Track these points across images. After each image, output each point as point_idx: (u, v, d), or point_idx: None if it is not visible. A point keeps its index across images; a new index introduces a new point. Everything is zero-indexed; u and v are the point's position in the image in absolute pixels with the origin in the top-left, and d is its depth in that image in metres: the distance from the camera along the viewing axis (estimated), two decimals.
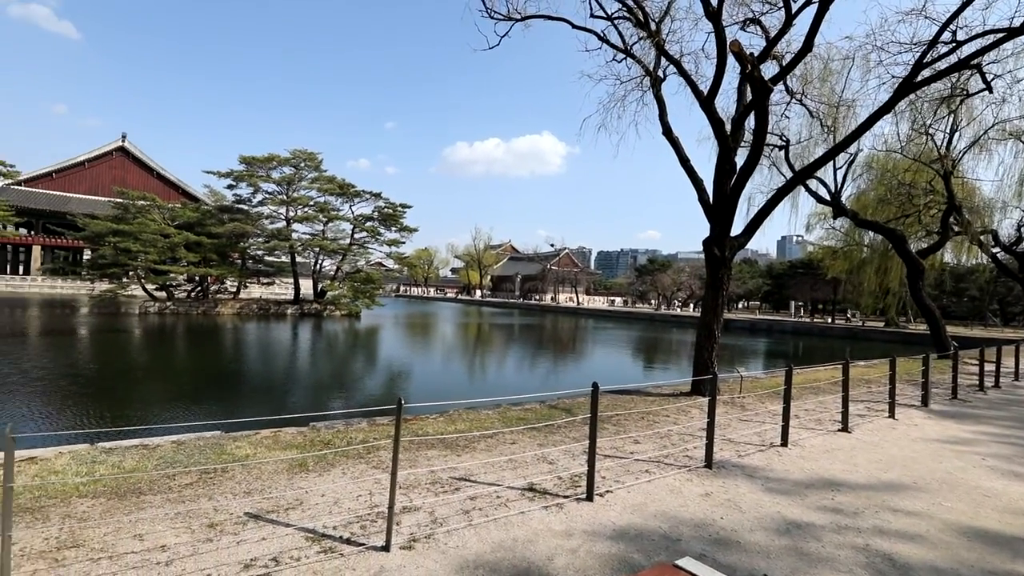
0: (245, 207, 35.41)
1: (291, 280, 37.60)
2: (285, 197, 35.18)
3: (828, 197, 18.11)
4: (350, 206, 37.67)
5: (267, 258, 36.90)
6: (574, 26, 10.18)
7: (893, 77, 11.05)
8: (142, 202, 31.44)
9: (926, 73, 9.65)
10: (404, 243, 39.07)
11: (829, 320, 44.10)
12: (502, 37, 10.65)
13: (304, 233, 36.37)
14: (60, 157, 52.67)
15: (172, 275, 31.16)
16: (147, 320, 27.31)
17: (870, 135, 17.72)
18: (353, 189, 36.48)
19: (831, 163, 16.45)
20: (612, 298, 75.54)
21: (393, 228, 37.99)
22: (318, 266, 37.96)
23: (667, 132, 10.14)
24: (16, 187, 46.62)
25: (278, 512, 4.15)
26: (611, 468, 5.56)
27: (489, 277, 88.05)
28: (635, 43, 10.39)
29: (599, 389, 4.62)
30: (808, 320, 45.18)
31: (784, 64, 9.10)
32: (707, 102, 9.64)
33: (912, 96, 12.65)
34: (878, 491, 5.31)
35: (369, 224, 37.18)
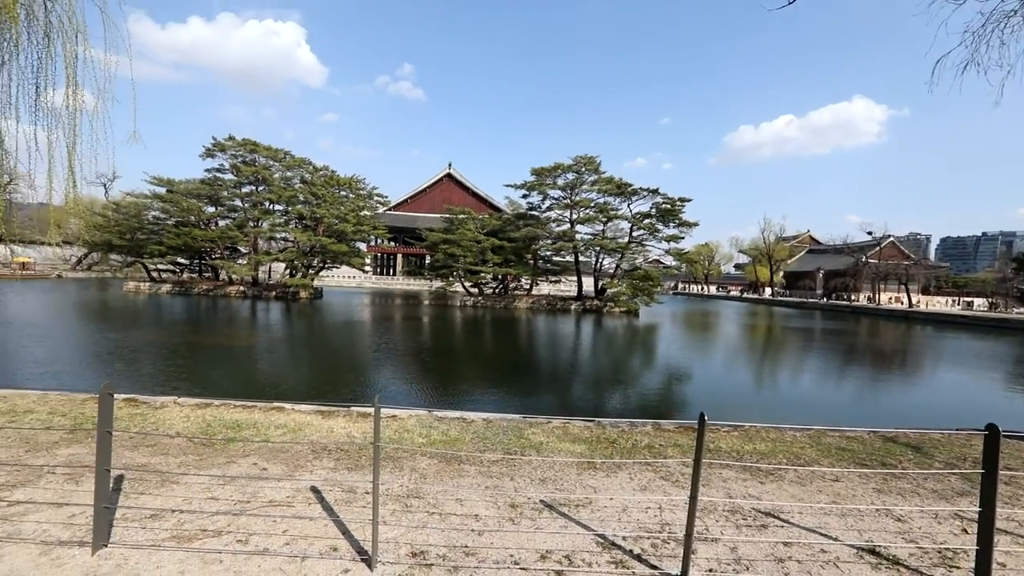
0: (536, 213, 39.98)
1: (575, 278, 40.62)
2: (569, 201, 38.13)
3: None
4: (628, 205, 38.25)
5: (554, 258, 40.88)
6: None
7: None
8: (462, 216, 39.13)
9: None
10: (683, 238, 37.47)
11: None
12: None
13: (586, 233, 38.75)
14: (411, 187, 69.57)
15: (482, 274, 37.66)
16: (465, 311, 33.56)
17: None
18: (630, 188, 36.91)
19: None
20: (967, 299, 55.78)
21: (671, 224, 36.85)
22: (599, 264, 39.92)
23: None
24: (388, 212, 64.10)
25: (569, 507, 4.20)
26: (1013, 554, 3.79)
27: (781, 273, 76.69)
28: None
29: (999, 433, 3.13)
30: None
31: None
32: None
33: None
34: None
35: (647, 221, 37.02)
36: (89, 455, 4.83)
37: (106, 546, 3.33)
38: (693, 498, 3.10)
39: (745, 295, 76.61)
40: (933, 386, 15.11)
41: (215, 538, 3.49)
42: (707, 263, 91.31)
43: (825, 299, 60.06)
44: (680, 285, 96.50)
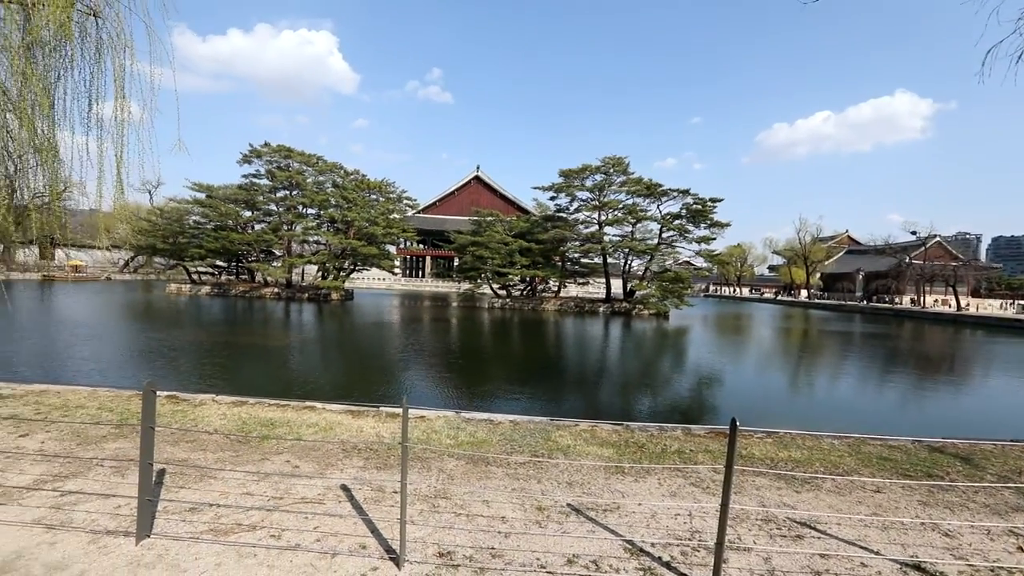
0: (564, 215, 39.81)
1: (603, 280, 40.27)
2: (597, 202, 37.83)
3: None
4: (657, 205, 37.69)
5: (582, 260, 40.61)
6: None
7: None
8: (490, 218, 39.31)
9: None
10: (714, 239, 36.68)
11: None
12: None
13: (614, 235, 38.38)
14: (440, 190, 70.36)
15: (510, 276, 37.72)
16: (493, 312, 33.67)
17: None
18: (660, 188, 36.37)
19: None
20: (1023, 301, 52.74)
21: (702, 224, 36.12)
22: (627, 266, 39.48)
23: None
24: (417, 215, 64.91)
25: (596, 511, 4.16)
26: None
27: (818, 275, 74.15)
28: None
29: None
30: None
31: None
32: None
33: None
34: None
35: (677, 222, 36.40)
36: (134, 449, 5.05)
37: (149, 537, 3.47)
38: (724, 505, 3.03)
39: (780, 297, 74.41)
40: (984, 394, 14.34)
41: (250, 533, 3.60)
42: (739, 265, 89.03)
43: (865, 301, 57.81)
44: (711, 287, 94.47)
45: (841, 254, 76.42)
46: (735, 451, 2.96)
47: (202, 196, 39.47)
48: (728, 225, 35.93)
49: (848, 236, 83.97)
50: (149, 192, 58.19)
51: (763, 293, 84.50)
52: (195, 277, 41.80)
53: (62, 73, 5.68)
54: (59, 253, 48.29)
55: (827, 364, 18.77)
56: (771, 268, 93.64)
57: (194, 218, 40.86)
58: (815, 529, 4.01)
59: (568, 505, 4.26)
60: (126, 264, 57.75)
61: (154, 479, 4.07)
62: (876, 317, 44.17)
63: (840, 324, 36.10)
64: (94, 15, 5.70)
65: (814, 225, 70.05)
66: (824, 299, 65.96)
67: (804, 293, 72.51)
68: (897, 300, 54.01)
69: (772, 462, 5.51)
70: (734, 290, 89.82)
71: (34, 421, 5.85)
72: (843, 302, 58.10)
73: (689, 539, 3.77)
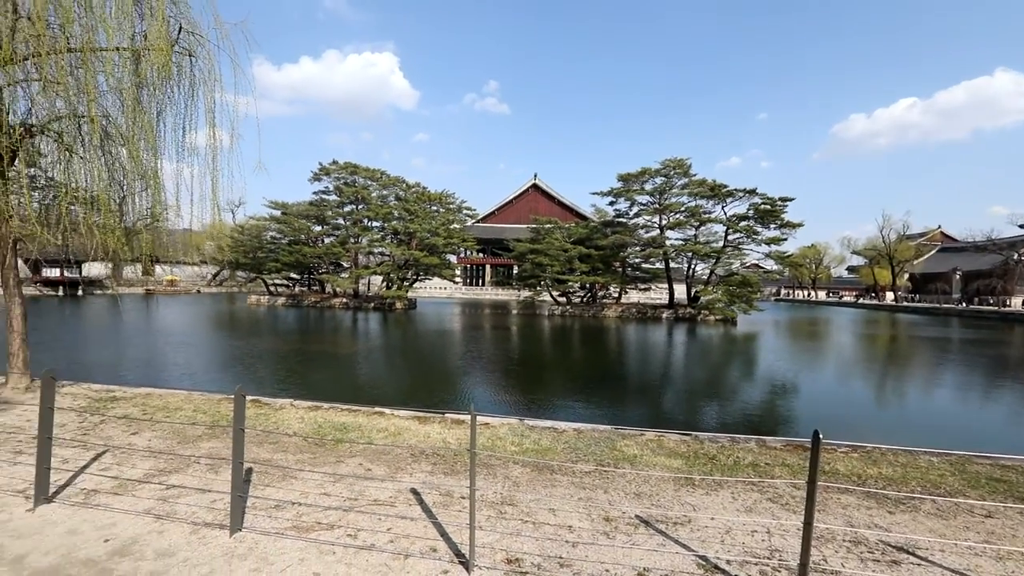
0: (624, 220, 39.12)
1: (665, 285, 39.13)
2: (658, 206, 36.90)
3: None
4: (722, 207, 36.22)
5: (643, 265, 39.65)
6: None
7: None
8: (548, 225, 39.33)
9: None
10: (785, 240, 34.66)
11: None
12: None
13: (676, 239, 37.25)
14: (498, 199, 71.33)
15: (569, 283, 37.50)
16: (553, 320, 33.58)
17: None
18: (724, 189, 34.94)
19: None
20: None
21: (772, 225, 34.30)
22: (691, 270, 38.13)
23: None
24: (477, 225, 66.14)
25: (667, 524, 4.04)
26: None
27: (906, 275, 68.11)
28: None
29: None
30: None
31: None
32: None
33: None
34: None
35: (744, 224, 34.78)
36: (224, 449, 5.48)
37: (240, 530, 3.74)
38: (808, 524, 2.84)
39: (861, 300, 69.02)
40: None
41: (328, 531, 3.79)
42: (814, 266, 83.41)
43: (964, 304, 52.41)
44: (782, 291, 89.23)
45: (933, 252, 69.90)
46: (819, 465, 2.78)
47: (278, 213, 42.30)
48: (800, 225, 33.95)
49: (941, 232, 76.72)
50: (232, 211, 63.16)
51: (842, 296, 78.78)
52: (272, 289, 44.74)
53: (163, 108, 6.33)
54: (158, 269, 53.37)
55: (920, 373, 17.18)
56: (850, 269, 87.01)
57: (271, 234, 43.82)
58: (914, 555, 3.67)
59: (637, 517, 4.16)
60: (213, 278, 62.87)
61: (243, 477, 4.39)
62: (978, 321, 39.90)
63: (934, 329, 32.93)
64: (189, 55, 6.32)
65: (900, 221, 64.37)
66: (914, 302, 60.48)
67: (890, 295, 66.81)
68: (1006, 302, 48.47)
69: (859, 479, 5.11)
70: (808, 293, 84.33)
71: (142, 421, 6.49)
72: (937, 304, 52.95)
73: (768, 558, 3.57)
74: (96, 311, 32.47)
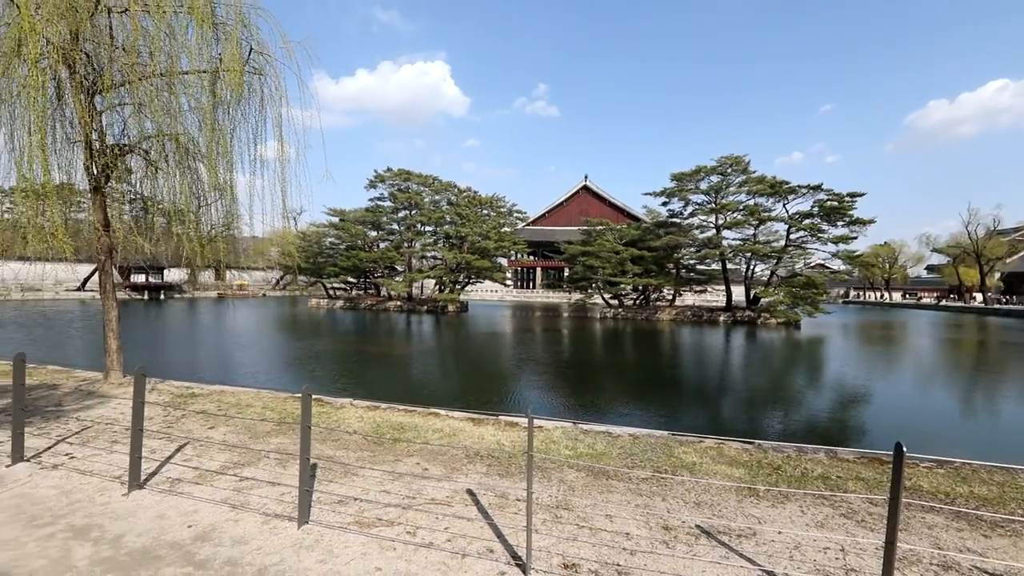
0: (677, 220, 38.06)
1: (722, 287, 37.71)
2: (714, 205, 35.65)
3: None
4: (783, 205, 34.50)
5: (698, 267, 38.40)
6: None
7: None
8: (600, 227, 38.87)
9: None
10: (855, 238, 32.50)
11: None
12: None
13: (734, 239, 35.87)
14: (548, 202, 71.21)
15: (621, 285, 36.89)
16: (605, 323, 33.12)
17: None
18: (786, 186, 33.28)
19: None
20: None
21: (839, 223, 32.29)
22: (750, 271, 36.52)
23: None
24: (527, 227, 66.34)
25: (729, 536, 3.88)
26: None
27: (997, 275, 62.13)
28: None
29: None
30: None
31: None
32: None
33: None
34: None
35: (808, 222, 32.95)
36: (291, 444, 5.78)
37: (307, 523, 3.93)
38: (890, 543, 2.66)
39: (943, 302, 63.63)
40: None
41: (388, 527, 3.92)
42: (888, 266, 77.63)
43: None
44: (852, 292, 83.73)
45: None
46: (901, 481, 2.60)
47: (336, 220, 44.19)
48: (871, 222, 31.77)
49: None
50: (294, 219, 66.55)
51: (920, 298, 72.99)
52: (331, 292, 46.73)
53: (236, 126, 6.80)
54: (228, 274, 57.13)
55: (1016, 384, 15.62)
56: (930, 269, 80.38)
57: (330, 240, 45.81)
58: None
59: (697, 527, 4.03)
60: (277, 282, 66.48)
61: (309, 472, 4.61)
62: None
63: None
64: (259, 73, 6.75)
65: (989, 216, 58.84)
66: (1009, 304, 55.07)
67: (979, 297, 61.19)
68: None
69: (947, 497, 4.71)
70: (881, 295, 78.61)
71: (217, 416, 6.96)
72: None
73: None
74: (176, 313, 35.12)
